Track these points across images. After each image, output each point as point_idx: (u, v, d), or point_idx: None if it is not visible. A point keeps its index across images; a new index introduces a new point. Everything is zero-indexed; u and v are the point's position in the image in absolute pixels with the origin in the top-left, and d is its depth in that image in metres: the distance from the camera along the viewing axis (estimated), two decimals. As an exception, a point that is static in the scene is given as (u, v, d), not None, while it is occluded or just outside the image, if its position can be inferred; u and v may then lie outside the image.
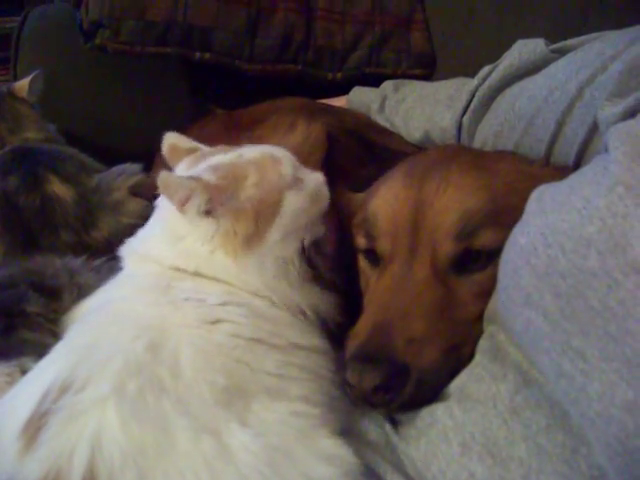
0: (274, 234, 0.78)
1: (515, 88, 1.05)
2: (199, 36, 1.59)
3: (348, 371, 0.72)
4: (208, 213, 0.77)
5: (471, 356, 0.76)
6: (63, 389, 0.60)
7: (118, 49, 1.57)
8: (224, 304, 0.73)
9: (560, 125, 0.88)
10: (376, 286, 0.84)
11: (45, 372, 0.66)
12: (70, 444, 0.56)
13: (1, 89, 1.43)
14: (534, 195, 0.68)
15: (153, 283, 0.77)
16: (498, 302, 0.71)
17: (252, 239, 0.77)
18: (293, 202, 0.80)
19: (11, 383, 0.78)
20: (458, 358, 0.76)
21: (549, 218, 0.63)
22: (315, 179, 0.85)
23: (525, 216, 0.68)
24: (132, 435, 0.57)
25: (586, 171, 0.64)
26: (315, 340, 0.78)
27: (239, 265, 0.77)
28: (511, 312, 0.66)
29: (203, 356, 0.65)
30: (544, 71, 0.99)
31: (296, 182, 0.82)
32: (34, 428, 0.58)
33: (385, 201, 0.86)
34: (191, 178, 0.76)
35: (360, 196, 0.96)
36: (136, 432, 0.57)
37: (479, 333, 0.77)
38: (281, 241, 0.79)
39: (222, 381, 0.64)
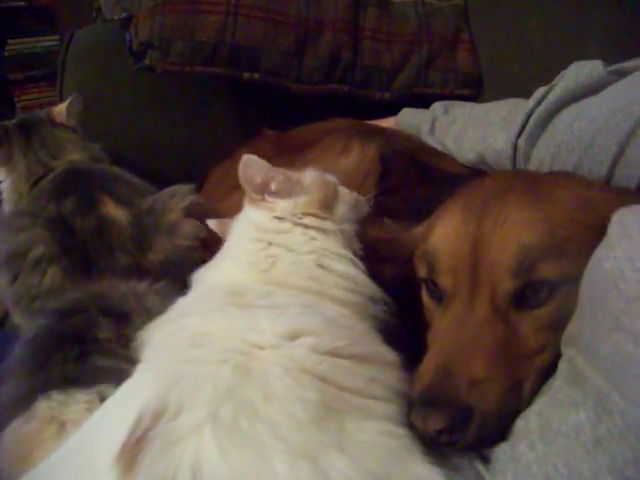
0: (340, 207, 0.91)
1: (572, 109, 1.04)
2: (247, 56, 1.60)
3: (413, 414, 0.72)
4: (283, 195, 0.88)
5: (533, 391, 0.76)
6: (156, 416, 0.60)
7: (167, 69, 1.58)
8: (301, 314, 0.74)
9: (623, 148, 0.88)
10: (439, 325, 0.84)
11: (133, 398, 0.65)
12: (171, 471, 0.56)
13: (40, 115, 1.43)
14: (616, 219, 0.68)
15: (228, 299, 0.78)
16: (581, 325, 0.71)
17: (326, 206, 0.89)
18: (345, 193, 0.94)
19: (90, 410, 0.78)
20: (520, 394, 0.76)
21: (635, 243, 0.62)
22: (355, 194, 0.97)
23: (608, 239, 0.67)
24: (231, 462, 0.57)
25: None
26: (387, 351, 0.77)
27: (321, 227, 0.87)
28: (597, 335, 0.65)
29: (291, 375, 0.65)
30: (603, 93, 0.99)
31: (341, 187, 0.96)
32: (131, 454, 0.58)
33: (445, 237, 0.86)
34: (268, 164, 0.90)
35: (419, 230, 0.96)
36: (235, 459, 0.57)
37: (540, 365, 0.77)
38: (346, 217, 0.91)
39: (313, 397, 0.63)
